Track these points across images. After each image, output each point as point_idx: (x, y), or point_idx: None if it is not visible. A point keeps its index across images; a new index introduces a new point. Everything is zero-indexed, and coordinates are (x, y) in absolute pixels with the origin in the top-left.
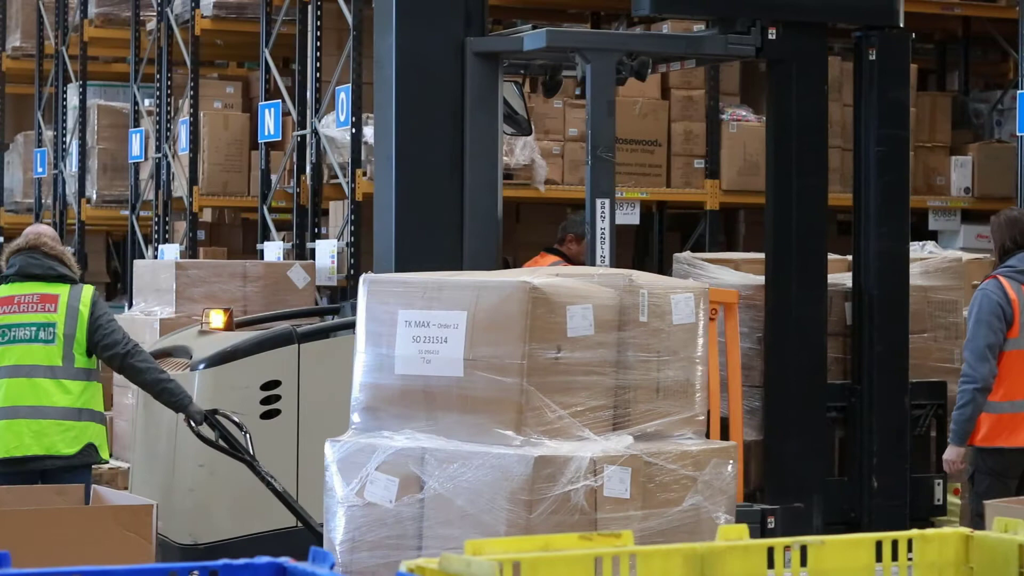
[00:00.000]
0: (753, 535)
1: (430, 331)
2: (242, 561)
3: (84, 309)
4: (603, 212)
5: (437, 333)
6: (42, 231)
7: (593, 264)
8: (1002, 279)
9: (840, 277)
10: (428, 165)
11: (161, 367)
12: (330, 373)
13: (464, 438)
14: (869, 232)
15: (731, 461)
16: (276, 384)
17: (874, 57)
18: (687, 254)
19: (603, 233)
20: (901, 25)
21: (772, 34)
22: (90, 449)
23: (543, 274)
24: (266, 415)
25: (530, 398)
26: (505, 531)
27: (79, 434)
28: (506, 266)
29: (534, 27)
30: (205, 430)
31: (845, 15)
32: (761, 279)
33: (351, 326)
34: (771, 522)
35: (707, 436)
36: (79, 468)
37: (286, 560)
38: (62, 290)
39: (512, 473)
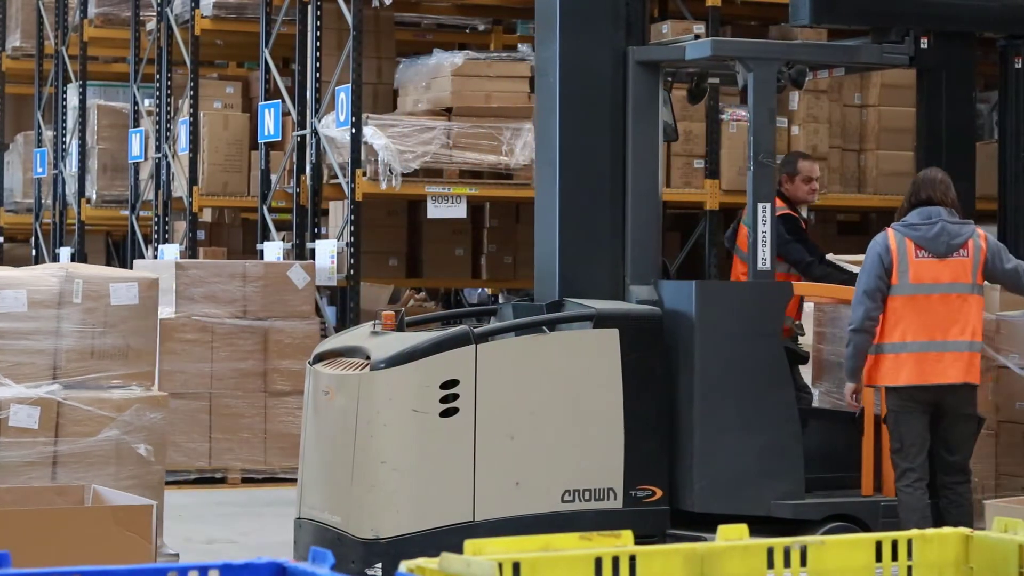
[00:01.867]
0: None
1: None
2: (242, 561)
3: None
4: (763, 216)
5: None
6: None
7: (758, 258)
8: (890, 231)
9: None
10: (591, 172)
11: None
12: (505, 373)
13: None
14: (1019, 233)
15: (160, 409)
16: (454, 383)
17: (1020, 65)
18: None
19: (764, 236)
20: None
21: (925, 43)
22: None
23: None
24: (444, 413)
25: None
26: None
27: None
28: (664, 270)
29: (696, 37)
30: None
31: (994, 25)
32: None
33: (524, 327)
34: None
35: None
36: None
37: (286, 560)
38: None
39: None
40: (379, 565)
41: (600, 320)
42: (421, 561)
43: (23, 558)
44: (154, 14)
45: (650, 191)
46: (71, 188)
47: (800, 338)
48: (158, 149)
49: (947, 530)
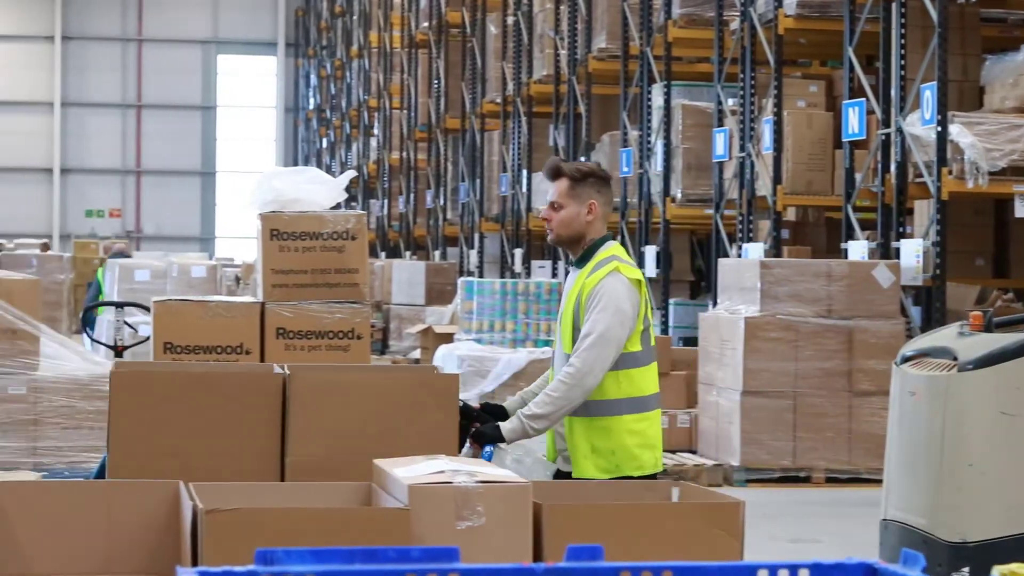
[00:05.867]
0: None
1: None
2: (832, 561)
3: None
4: None
5: None
6: None
7: None
8: None
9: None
10: None
11: None
12: None
13: None
14: None
15: None
16: None
17: None
18: None
19: None
20: None
21: None
22: None
23: None
24: None
25: None
26: None
27: None
28: None
29: None
30: None
31: None
32: None
33: None
34: None
35: None
36: None
37: (875, 561)
38: None
39: None
40: (966, 570)
41: None
42: (1015, 566)
43: (614, 551)
44: (737, 14)
45: None
46: (656, 187)
47: None
48: (742, 148)
49: None
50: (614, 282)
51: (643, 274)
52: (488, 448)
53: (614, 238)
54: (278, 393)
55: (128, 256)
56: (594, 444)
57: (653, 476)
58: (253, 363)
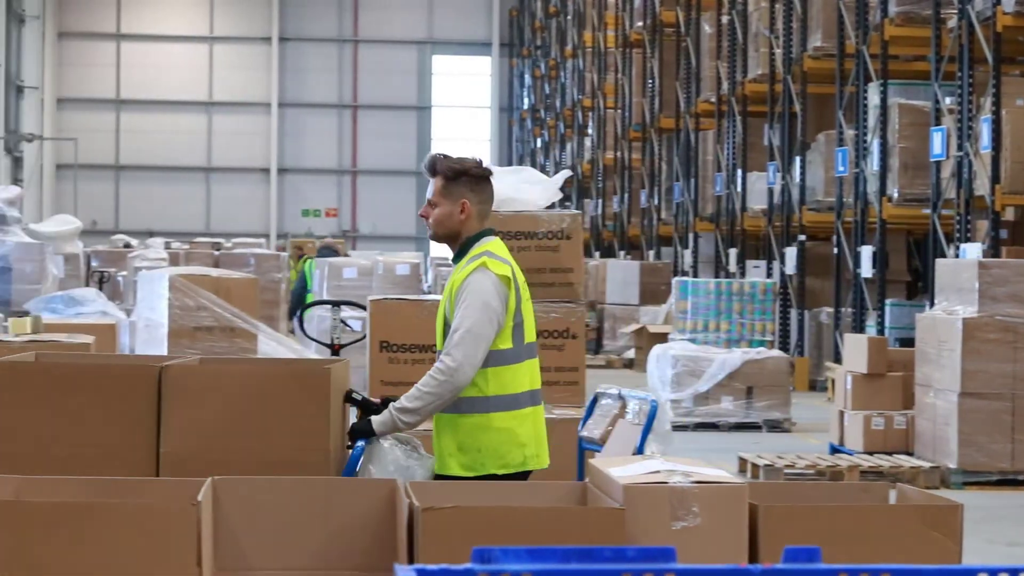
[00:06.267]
0: None
1: None
2: None
3: None
4: None
5: None
6: None
7: None
8: None
9: None
10: None
11: None
12: None
13: None
14: None
15: None
16: None
17: None
18: None
19: None
20: None
21: None
22: None
23: None
24: None
25: None
26: None
27: None
28: None
29: None
30: None
31: None
32: None
33: None
34: None
35: None
36: None
37: None
38: None
39: None
40: None
41: None
42: None
43: (830, 554)
44: (955, 11)
45: None
46: (872, 187)
47: None
48: (959, 147)
49: None
50: (481, 278)
51: (512, 269)
52: (360, 442)
53: (496, 233)
54: (153, 386)
55: (337, 252)
56: (460, 442)
57: (524, 475)
58: (131, 355)
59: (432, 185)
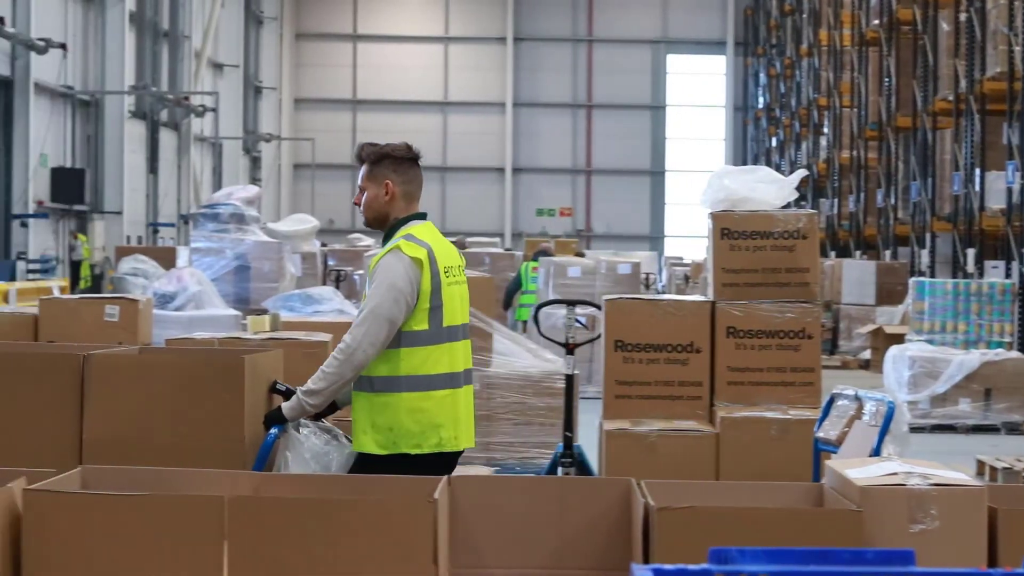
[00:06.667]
0: None
1: None
2: None
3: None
4: None
5: None
6: None
7: None
8: None
9: None
10: None
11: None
12: None
13: None
14: None
15: None
16: None
17: None
18: None
19: None
20: None
21: None
22: None
23: None
24: None
25: None
26: None
27: None
28: None
29: None
30: None
31: None
32: None
33: None
34: None
35: None
36: None
37: None
38: None
39: None
40: None
41: None
42: None
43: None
44: None
45: None
46: None
47: None
48: None
49: None
50: (392, 260)
51: (430, 252)
52: (273, 430)
53: (424, 217)
54: (76, 374)
55: (551, 255)
56: (374, 420)
57: (439, 456)
58: (52, 344)
59: (361, 172)
